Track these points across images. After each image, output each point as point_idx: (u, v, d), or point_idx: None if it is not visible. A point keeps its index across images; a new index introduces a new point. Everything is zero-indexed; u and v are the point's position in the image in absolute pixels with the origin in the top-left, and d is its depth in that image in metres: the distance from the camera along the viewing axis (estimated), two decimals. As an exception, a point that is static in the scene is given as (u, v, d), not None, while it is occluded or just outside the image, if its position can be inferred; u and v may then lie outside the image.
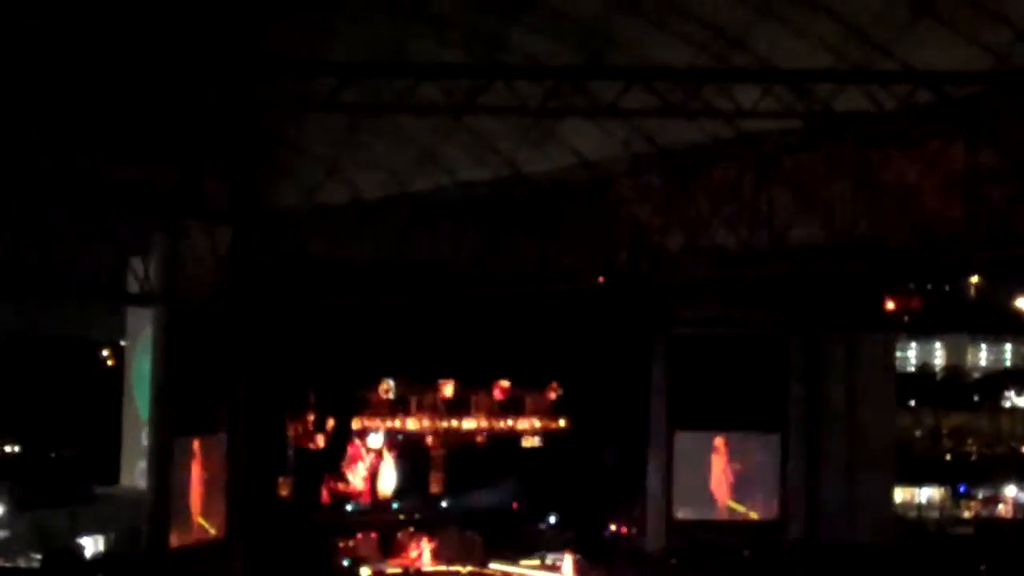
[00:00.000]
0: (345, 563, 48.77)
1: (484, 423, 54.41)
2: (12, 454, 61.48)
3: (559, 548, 51.55)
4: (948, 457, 75.29)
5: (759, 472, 53.20)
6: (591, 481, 55.52)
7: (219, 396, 44.89)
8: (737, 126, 32.34)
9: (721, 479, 53.28)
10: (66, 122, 33.99)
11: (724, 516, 52.94)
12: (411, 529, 52.58)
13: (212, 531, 44.52)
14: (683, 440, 53.06)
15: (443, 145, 37.65)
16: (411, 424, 53.24)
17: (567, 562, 49.07)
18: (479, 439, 54.84)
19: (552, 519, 54.39)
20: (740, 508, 53.07)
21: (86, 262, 39.17)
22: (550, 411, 55.28)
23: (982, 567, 45.39)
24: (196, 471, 44.00)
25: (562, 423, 55.45)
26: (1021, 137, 28.97)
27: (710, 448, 53.14)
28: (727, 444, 53.10)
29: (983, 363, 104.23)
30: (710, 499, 53.15)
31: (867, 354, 54.21)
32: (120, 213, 40.73)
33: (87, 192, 37.86)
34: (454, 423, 53.98)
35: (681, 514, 52.93)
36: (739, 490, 53.19)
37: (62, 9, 28.61)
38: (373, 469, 53.99)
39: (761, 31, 28.67)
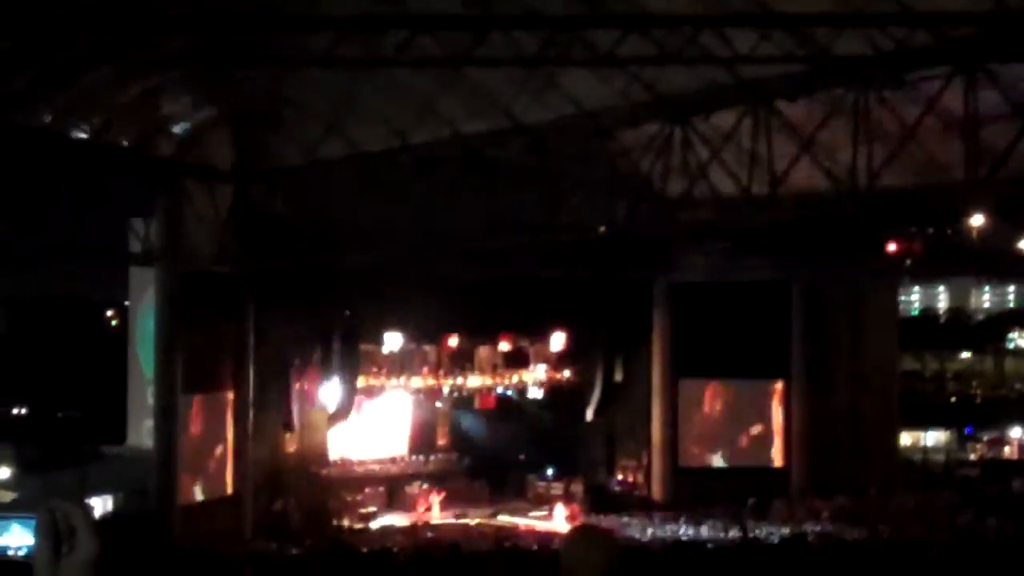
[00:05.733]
0: (354, 518, 48.94)
1: (488, 378, 54.45)
2: (19, 416, 61.71)
3: (565, 499, 51.70)
4: (953, 400, 75.69)
5: (763, 419, 53.37)
6: (597, 431, 55.67)
7: (224, 354, 45.13)
8: (735, 72, 32.36)
9: (726, 426, 53.46)
10: (61, 85, 34.07)
11: (729, 463, 53.14)
12: (419, 483, 52.75)
13: (220, 489, 44.80)
14: (686, 388, 53.21)
15: (441, 98, 37.68)
16: (416, 382, 53.30)
17: (559, 511, 49.25)
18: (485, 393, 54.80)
19: (555, 470, 54.40)
20: (745, 455, 53.25)
21: (88, 223, 39.26)
22: (555, 362, 55.34)
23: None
24: (202, 429, 44.25)
25: (567, 374, 55.51)
26: (1019, 78, 29.00)
27: (714, 396, 53.31)
28: (732, 391, 53.27)
29: (987, 305, 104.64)
30: (714, 447, 53.34)
31: (870, 299, 54.27)
32: (121, 175, 40.87)
33: (87, 157, 37.98)
34: (459, 380, 54.01)
35: (687, 461, 53.13)
36: (745, 436, 53.39)
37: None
38: (379, 424, 54.12)
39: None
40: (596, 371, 55.09)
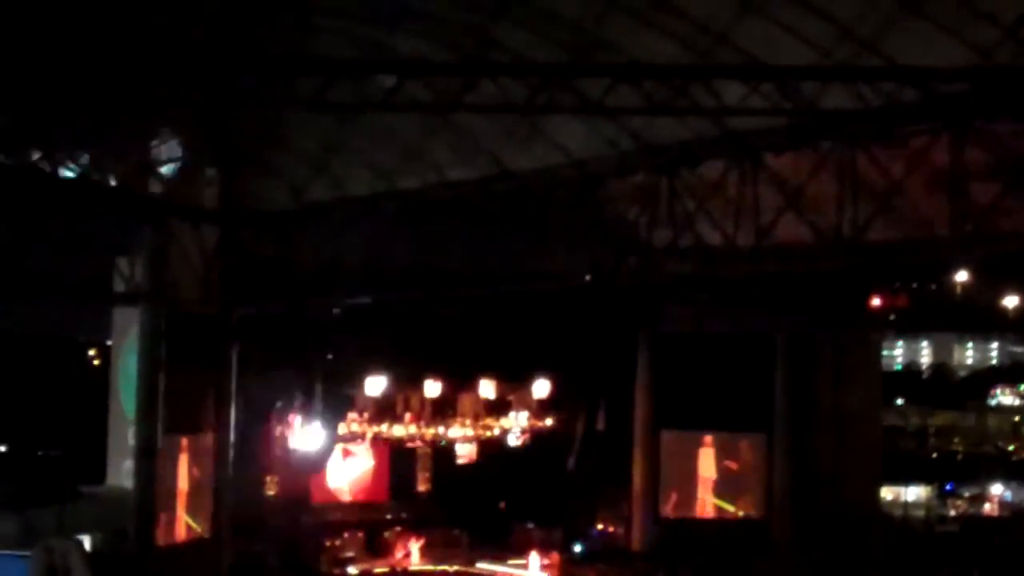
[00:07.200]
0: (332, 563, 48.75)
1: (471, 427, 54.41)
2: (-2, 454, 61.31)
3: (544, 548, 51.50)
4: (934, 456, 75.49)
5: (745, 471, 53.23)
6: (577, 480, 55.49)
7: (206, 395, 44.92)
8: (723, 124, 32.41)
9: (707, 478, 53.31)
10: (50, 125, 33.99)
11: (710, 515, 52.96)
12: (398, 528, 52.56)
13: (199, 530, 44.55)
14: (669, 438, 53.07)
15: (430, 143, 37.69)
16: (397, 431, 53.24)
17: (535, 559, 49.08)
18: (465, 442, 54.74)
19: (536, 518, 54.15)
20: (727, 507, 53.11)
21: (72, 262, 39.11)
22: (537, 410, 55.27)
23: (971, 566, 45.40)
24: (183, 470, 44.00)
25: (549, 421, 55.44)
26: (1006, 135, 29.06)
27: (696, 446, 53.18)
28: (714, 443, 53.14)
29: (970, 361, 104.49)
30: (696, 498, 53.17)
31: (853, 353, 54.20)
32: (107, 213, 40.71)
33: (74, 195, 37.83)
34: (440, 429, 53.98)
35: (667, 512, 52.96)
36: (725, 489, 53.23)
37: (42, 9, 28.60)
38: (360, 469, 53.97)
39: (747, 28, 28.76)
40: (578, 419, 54.99)
